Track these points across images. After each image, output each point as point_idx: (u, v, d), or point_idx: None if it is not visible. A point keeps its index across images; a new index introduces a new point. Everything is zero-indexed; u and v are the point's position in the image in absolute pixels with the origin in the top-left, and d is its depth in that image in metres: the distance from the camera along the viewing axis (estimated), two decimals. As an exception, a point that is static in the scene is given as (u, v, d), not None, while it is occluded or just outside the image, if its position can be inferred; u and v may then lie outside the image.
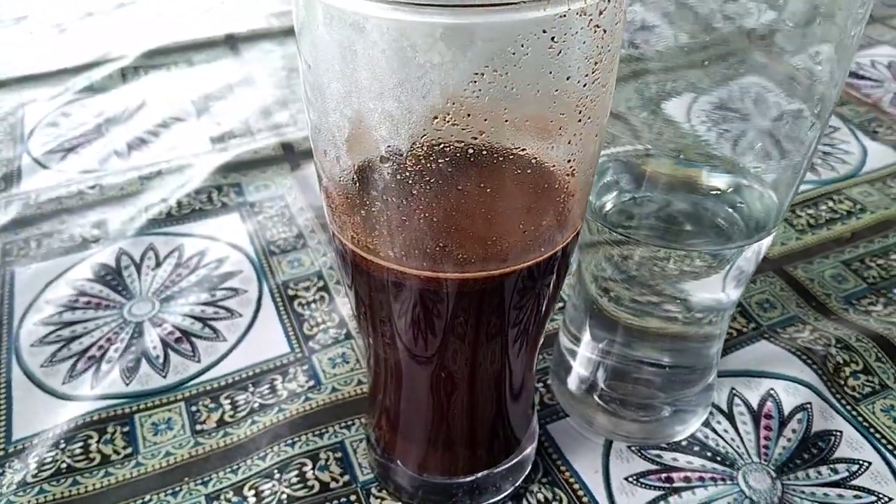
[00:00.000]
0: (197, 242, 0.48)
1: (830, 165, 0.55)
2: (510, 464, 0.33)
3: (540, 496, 0.34)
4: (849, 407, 0.38)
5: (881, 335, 0.41)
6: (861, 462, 0.35)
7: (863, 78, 0.66)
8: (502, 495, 0.34)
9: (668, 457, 0.35)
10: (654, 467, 0.35)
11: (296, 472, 0.35)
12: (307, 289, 0.45)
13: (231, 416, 0.38)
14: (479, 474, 0.33)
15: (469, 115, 0.21)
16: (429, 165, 0.22)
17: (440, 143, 0.21)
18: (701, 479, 0.34)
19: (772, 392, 0.38)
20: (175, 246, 0.48)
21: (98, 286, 0.45)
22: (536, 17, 0.19)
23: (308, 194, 0.52)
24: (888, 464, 0.35)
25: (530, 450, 0.34)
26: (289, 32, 0.73)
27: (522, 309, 0.27)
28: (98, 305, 0.44)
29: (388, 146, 0.22)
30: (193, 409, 0.38)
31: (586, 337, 0.36)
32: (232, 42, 0.72)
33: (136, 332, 0.42)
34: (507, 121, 0.21)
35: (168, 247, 0.48)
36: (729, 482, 0.34)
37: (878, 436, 0.36)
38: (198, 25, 0.74)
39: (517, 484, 0.34)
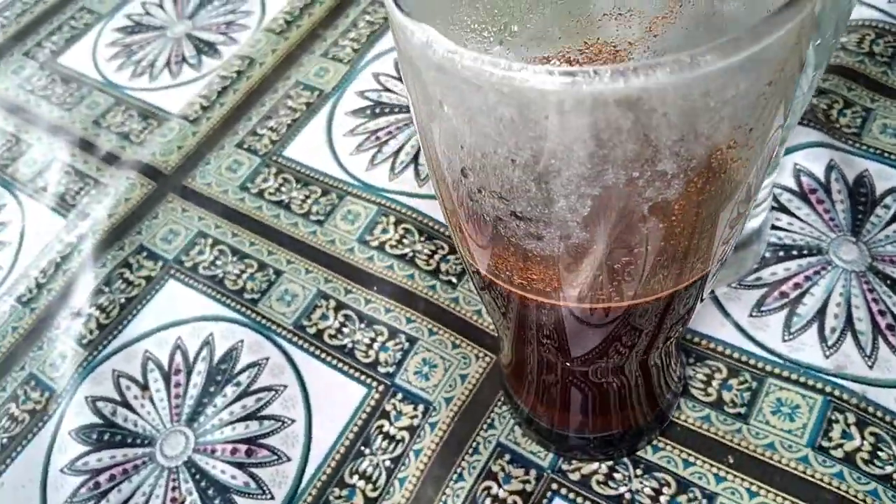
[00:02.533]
0: (163, 339, 0.40)
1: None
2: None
3: (702, 377, 0.35)
4: (858, 145, 0.41)
5: (839, 66, 0.43)
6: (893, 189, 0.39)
7: None
8: (678, 401, 0.34)
9: (766, 275, 0.37)
10: (764, 290, 0.37)
11: (489, 501, 0.33)
12: (324, 317, 0.40)
13: (373, 490, 0.34)
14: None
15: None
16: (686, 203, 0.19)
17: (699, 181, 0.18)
18: (807, 278, 0.37)
19: (798, 166, 0.40)
20: (139, 356, 0.40)
21: (97, 456, 0.37)
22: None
23: (207, 207, 0.45)
24: (915, 176, 0.39)
25: (677, 346, 0.35)
26: (23, 33, 0.58)
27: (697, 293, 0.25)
28: (125, 473, 0.36)
29: (654, 204, 0.18)
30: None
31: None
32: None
33: (196, 474, 0.36)
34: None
35: (133, 363, 0.40)
36: (830, 268, 0.37)
37: (891, 156, 0.40)
38: None
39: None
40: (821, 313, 0.35)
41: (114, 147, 0.49)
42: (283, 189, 0.45)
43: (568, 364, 0.28)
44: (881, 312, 0.35)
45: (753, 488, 0.32)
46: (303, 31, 0.53)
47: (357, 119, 0.48)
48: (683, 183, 0.18)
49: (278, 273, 0.42)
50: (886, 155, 0.40)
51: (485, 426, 0.35)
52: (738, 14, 0.22)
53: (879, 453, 0.32)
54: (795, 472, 0.32)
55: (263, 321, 0.40)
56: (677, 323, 0.26)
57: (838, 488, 0.31)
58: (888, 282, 0.36)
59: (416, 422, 0.36)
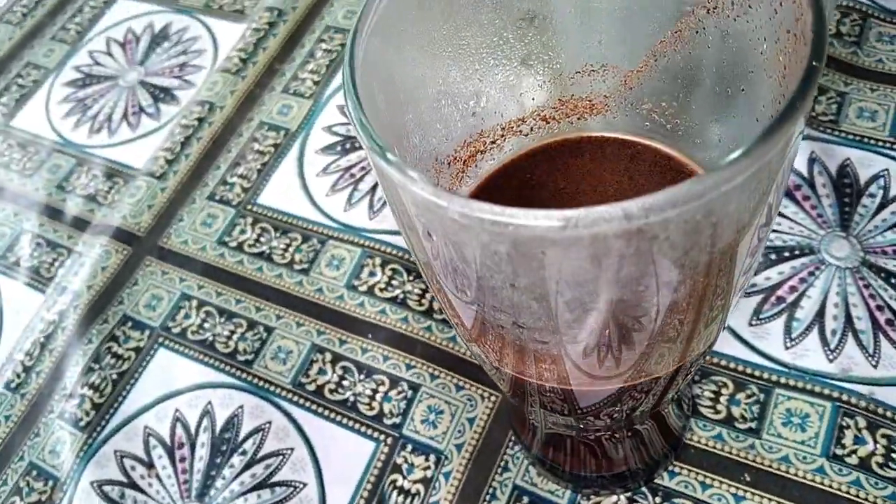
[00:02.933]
0: (162, 412, 0.40)
1: None
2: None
3: (709, 394, 0.35)
4: (836, 133, 0.40)
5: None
6: (880, 174, 0.39)
7: None
8: (690, 422, 0.34)
9: (761, 280, 0.37)
10: (761, 297, 0.36)
11: (513, 548, 0.33)
12: (322, 372, 0.39)
13: (397, 548, 0.34)
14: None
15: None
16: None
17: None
18: (802, 280, 0.36)
19: (780, 163, 0.40)
20: (139, 433, 0.39)
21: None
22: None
23: (187, 267, 0.44)
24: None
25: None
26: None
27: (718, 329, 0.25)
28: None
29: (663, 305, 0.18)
30: (356, 571, 0.34)
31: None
32: None
33: (215, 551, 0.35)
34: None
35: (134, 441, 0.39)
36: (823, 267, 0.36)
37: (871, 141, 0.40)
38: None
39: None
40: (820, 316, 0.35)
41: (82, 211, 0.48)
42: (262, 239, 0.44)
43: (575, 416, 0.28)
44: (879, 308, 0.35)
45: (773, 505, 0.32)
46: (259, 67, 0.51)
47: (328, 156, 0.46)
48: (691, 283, 0.17)
49: (269, 330, 0.41)
50: (866, 140, 0.40)
51: (499, 470, 0.35)
52: (713, 65, 0.22)
53: (893, 455, 0.32)
54: (813, 483, 0.32)
55: (261, 383, 0.39)
56: (698, 360, 0.26)
57: (857, 496, 0.31)
58: (882, 275, 0.36)
59: (429, 473, 0.35)
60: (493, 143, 0.25)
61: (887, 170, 0.39)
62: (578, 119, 0.25)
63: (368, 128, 0.16)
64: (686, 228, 0.15)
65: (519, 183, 0.25)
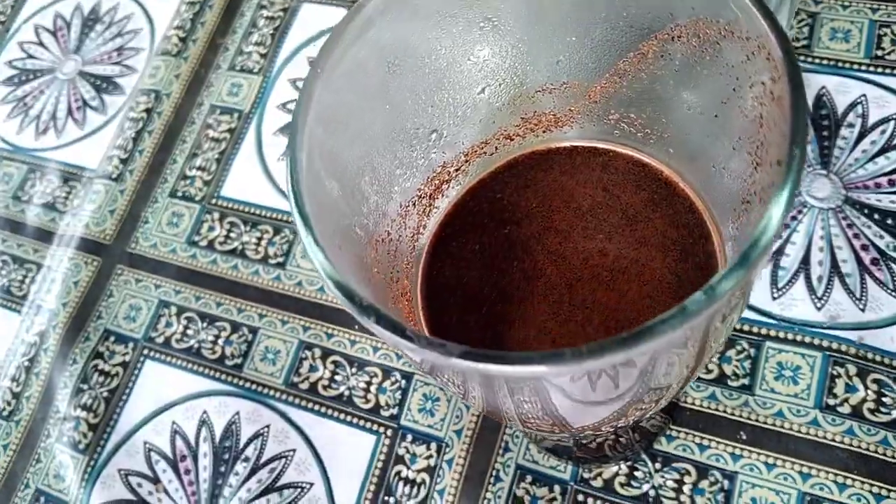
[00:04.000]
0: (159, 426, 0.40)
1: None
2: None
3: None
4: (810, 59, 0.39)
5: None
6: (857, 101, 0.37)
7: None
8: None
9: (743, 231, 0.36)
10: (744, 250, 0.36)
11: (522, 528, 0.34)
12: (313, 368, 0.39)
13: (410, 538, 0.35)
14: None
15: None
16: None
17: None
18: (785, 226, 0.36)
19: (755, 101, 0.38)
20: (140, 450, 0.39)
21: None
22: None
23: (160, 272, 0.43)
24: (885, 87, 0.37)
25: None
26: None
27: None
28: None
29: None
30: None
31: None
32: None
33: (234, 559, 0.36)
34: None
35: (136, 458, 0.39)
36: (806, 210, 0.36)
37: (846, 65, 0.38)
38: None
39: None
40: (805, 263, 0.35)
41: (43, 222, 0.46)
42: (231, 235, 0.43)
43: (569, 433, 0.27)
44: (864, 247, 0.35)
45: (770, 460, 0.32)
46: (200, 45, 0.48)
47: (286, 137, 0.44)
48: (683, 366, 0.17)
49: (254, 331, 0.40)
50: (841, 65, 0.38)
51: (500, 451, 0.35)
52: (681, 86, 0.20)
53: (884, 399, 0.32)
54: (808, 436, 0.32)
55: (253, 386, 0.39)
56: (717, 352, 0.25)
57: (850, 445, 0.32)
58: (865, 211, 0.35)
59: (432, 462, 0.36)
60: (457, 170, 0.24)
61: (864, 95, 0.37)
62: (544, 132, 0.24)
63: (347, 289, 0.15)
64: (672, 348, 0.14)
65: (489, 206, 0.24)
